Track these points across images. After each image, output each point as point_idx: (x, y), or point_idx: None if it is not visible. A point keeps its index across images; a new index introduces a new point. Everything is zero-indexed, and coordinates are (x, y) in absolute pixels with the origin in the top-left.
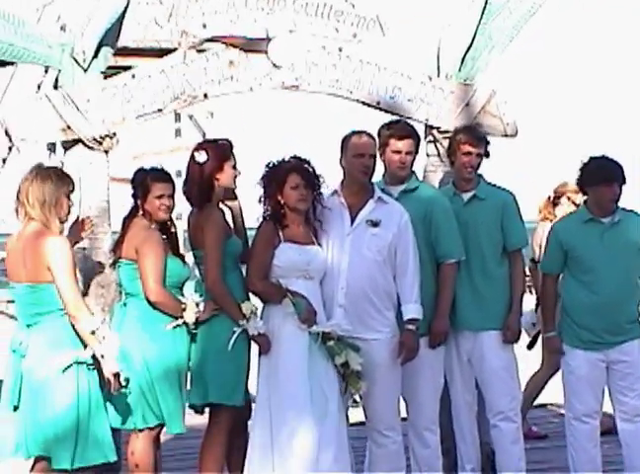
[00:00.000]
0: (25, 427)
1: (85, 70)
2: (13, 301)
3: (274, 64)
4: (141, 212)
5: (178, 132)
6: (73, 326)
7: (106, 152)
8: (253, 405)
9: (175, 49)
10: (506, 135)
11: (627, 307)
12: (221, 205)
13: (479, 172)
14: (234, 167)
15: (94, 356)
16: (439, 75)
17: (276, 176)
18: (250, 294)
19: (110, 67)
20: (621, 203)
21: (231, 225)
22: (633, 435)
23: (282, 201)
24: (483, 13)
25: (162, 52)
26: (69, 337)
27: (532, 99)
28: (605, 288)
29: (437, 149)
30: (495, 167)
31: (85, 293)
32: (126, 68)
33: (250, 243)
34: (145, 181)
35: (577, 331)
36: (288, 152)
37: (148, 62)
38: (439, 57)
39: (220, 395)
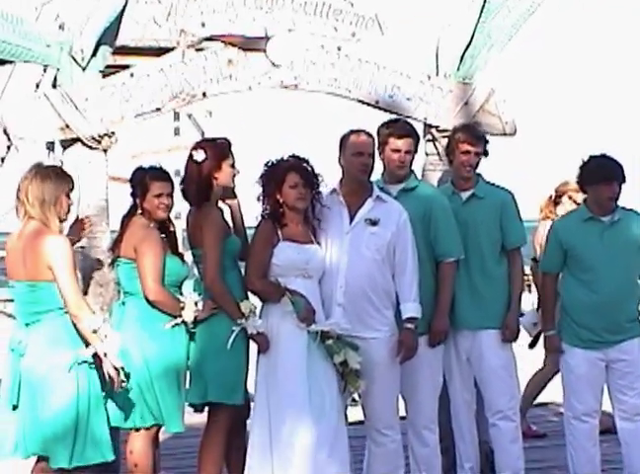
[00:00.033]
0: (23, 426)
1: (83, 69)
2: (12, 300)
3: (272, 63)
4: (140, 211)
5: (177, 131)
6: (72, 325)
7: (104, 151)
8: (252, 404)
9: (174, 48)
10: (504, 134)
11: (627, 306)
12: (220, 204)
13: (478, 171)
14: (232, 166)
15: (93, 355)
16: (437, 74)
17: (274, 175)
18: (249, 293)
19: (108, 66)
20: (621, 203)
21: (230, 224)
22: (633, 434)
23: (281, 200)
24: (482, 11)
25: (161, 51)
26: (68, 335)
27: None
28: (605, 287)
29: (435, 148)
30: (494, 166)
31: (85, 292)
32: (125, 67)
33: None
34: (144, 180)
35: (576, 330)
36: (287, 151)
37: (147, 61)
38: (437, 56)
39: (220, 394)
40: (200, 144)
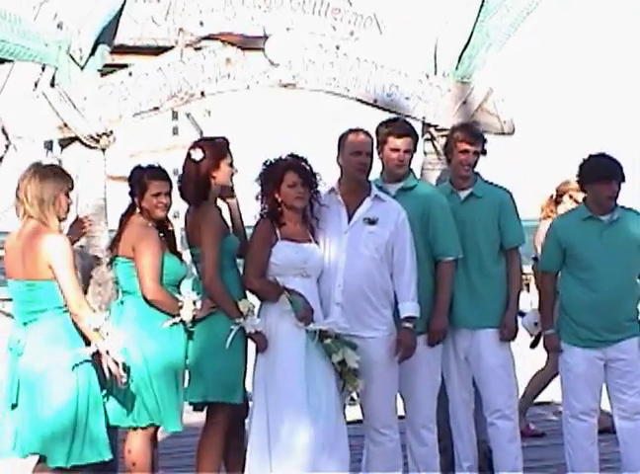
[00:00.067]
0: (22, 425)
1: (82, 68)
2: (10, 299)
3: (271, 62)
4: (139, 210)
5: (175, 130)
6: (71, 324)
7: (103, 150)
8: (250, 403)
9: (172, 47)
10: (503, 133)
11: (626, 305)
12: (219, 203)
13: (476, 170)
14: (231, 165)
15: (93, 354)
16: (436, 73)
17: (273, 174)
18: (247, 292)
19: (106, 65)
20: (621, 202)
21: (228, 223)
22: (632, 433)
23: (280, 199)
24: (480, 11)
25: (159, 50)
26: (67, 334)
27: (530, 97)
28: (604, 286)
29: (434, 147)
30: (492, 165)
31: (84, 291)
32: (123, 66)
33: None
34: (142, 179)
35: (575, 329)
36: (286, 150)
37: (145, 60)
38: (436, 55)
39: (219, 393)
40: (199, 143)
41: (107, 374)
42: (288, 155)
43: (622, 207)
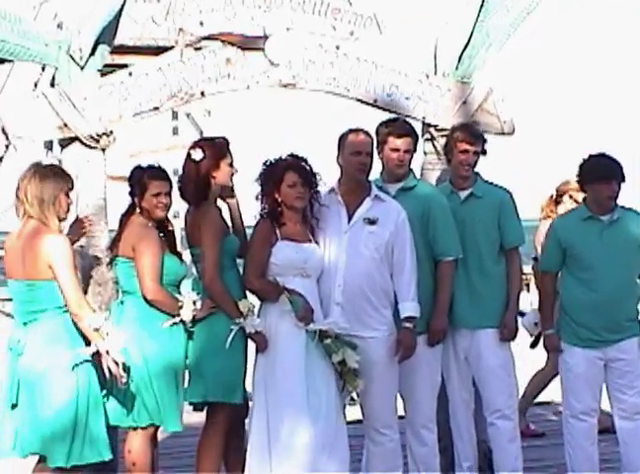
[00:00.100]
0: (22, 424)
1: (82, 68)
2: (10, 299)
3: (271, 62)
4: (139, 210)
5: (175, 130)
6: (71, 324)
7: (103, 150)
8: (250, 403)
9: (172, 47)
10: (503, 133)
11: (626, 305)
12: (219, 202)
13: (476, 170)
14: (231, 165)
15: (93, 354)
16: (436, 73)
17: (273, 174)
18: (247, 292)
19: (106, 65)
20: (621, 202)
21: (228, 223)
22: (632, 433)
23: (280, 199)
24: (480, 10)
25: (159, 50)
26: (67, 334)
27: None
28: (604, 286)
29: (434, 147)
30: (492, 165)
31: (84, 291)
32: (123, 66)
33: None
34: (142, 179)
35: (575, 329)
36: (286, 150)
37: (145, 60)
38: (436, 55)
39: (219, 393)
40: (199, 143)
41: (107, 374)
42: (288, 155)
43: (622, 207)
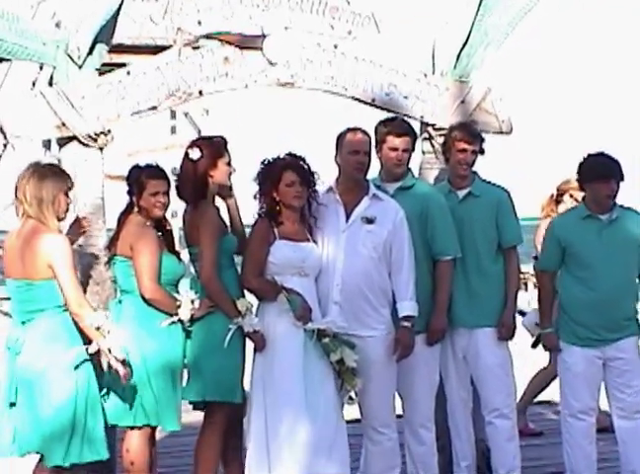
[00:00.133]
0: (21, 423)
1: (80, 67)
2: (8, 298)
3: (269, 61)
4: (137, 209)
5: (173, 130)
6: (70, 322)
7: (100, 149)
8: (248, 402)
9: (170, 46)
10: (501, 132)
11: (624, 304)
12: (217, 201)
13: (474, 169)
14: (228, 164)
15: (91, 353)
16: (434, 72)
17: (271, 173)
18: (245, 291)
19: (104, 64)
20: (621, 201)
21: (227, 222)
22: (630, 433)
23: (278, 199)
24: (479, 9)
25: (157, 49)
26: (66, 333)
27: (528, 96)
28: (603, 285)
29: (432, 146)
30: (490, 164)
31: (84, 291)
32: (121, 65)
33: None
34: (140, 178)
35: (574, 327)
36: (284, 149)
37: (143, 59)
38: (434, 54)
39: (218, 393)
40: (196, 142)
41: (107, 372)
42: (286, 154)
43: (621, 207)
